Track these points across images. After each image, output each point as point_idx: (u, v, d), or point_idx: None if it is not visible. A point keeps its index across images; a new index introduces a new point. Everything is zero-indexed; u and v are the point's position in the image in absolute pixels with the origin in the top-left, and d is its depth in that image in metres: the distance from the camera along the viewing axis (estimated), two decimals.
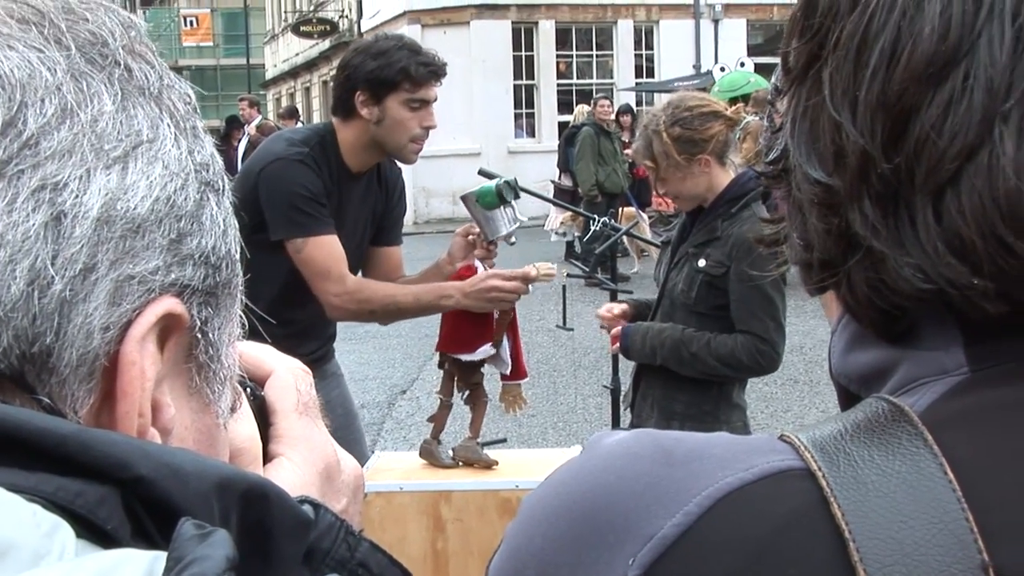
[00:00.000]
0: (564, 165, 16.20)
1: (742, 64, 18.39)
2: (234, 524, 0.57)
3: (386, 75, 3.58)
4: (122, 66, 0.63)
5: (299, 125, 18.00)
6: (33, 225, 0.57)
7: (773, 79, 0.79)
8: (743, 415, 3.74)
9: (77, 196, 0.59)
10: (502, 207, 3.56)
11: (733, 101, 15.72)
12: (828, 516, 0.62)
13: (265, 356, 0.85)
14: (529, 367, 3.86)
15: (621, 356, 4.00)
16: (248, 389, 0.81)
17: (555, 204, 8.32)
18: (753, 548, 0.63)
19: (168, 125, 0.64)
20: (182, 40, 48.28)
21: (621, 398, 4.22)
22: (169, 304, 0.62)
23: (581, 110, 16.99)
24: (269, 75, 43.03)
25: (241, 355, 0.84)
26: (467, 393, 3.70)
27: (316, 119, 34.81)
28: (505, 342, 3.63)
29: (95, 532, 0.54)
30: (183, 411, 0.65)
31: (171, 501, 0.55)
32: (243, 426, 0.77)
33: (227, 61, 47.47)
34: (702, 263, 3.58)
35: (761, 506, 0.64)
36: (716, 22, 26.89)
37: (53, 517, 0.52)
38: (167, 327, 0.63)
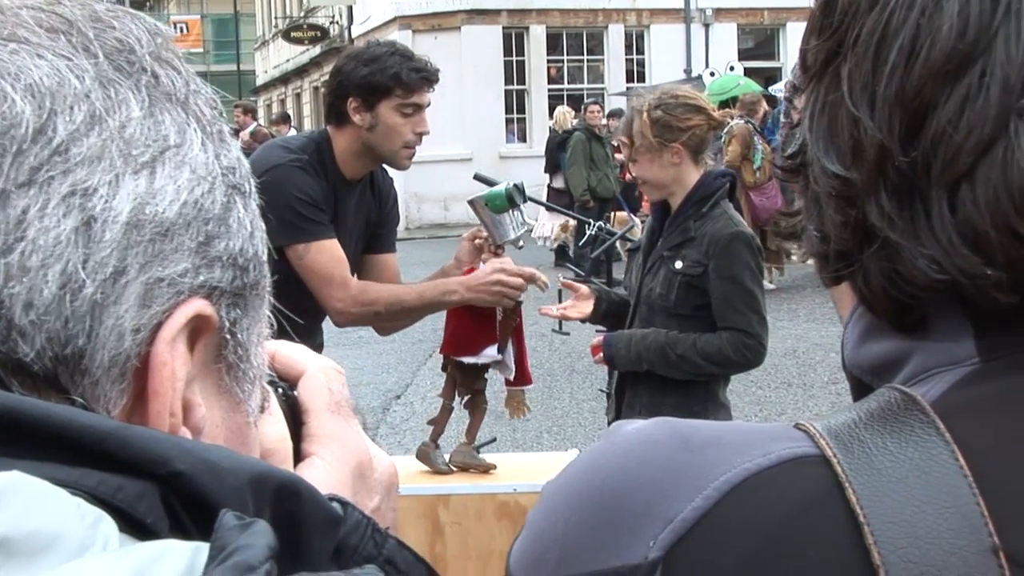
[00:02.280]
0: (553, 168, 16.23)
1: (731, 68, 18.46)
2: (267, 519, 0.57)
3: (378, 81, 3.58)
4: (149, 72, 0.64)
5: (292, 131, 18.01)
6: (64, 230, 0.58)
7: (790, 76, 0.81)
8: (728, 415, 3.76)
9: (107, 201, 0.60)
10: (511, 211, 3.57)
11: (723, 104, 15.71)
12: (843, 501, 0.64)
13: (297, 355, 0.86)
14: None
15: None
16: (280, 389, 0.82)
17: (556, 211, 8.35)
18: (771, 531, 0.65)
19: (195, 130, 0.65)
20: None
21: (605, 411, 4.24)
22: (198, 306, 0.63)
23: (562, 111, 16.99)
24: (260, 81, 42.99)
25: (274, 354, 0.85)
26: (467, 398, 3.68)
27: (307, 125, 34.78)
28: (510, 347, 3.62)
29: (135, 526, 0.55)
30: (213, 410, 0.66)
31: (207, 496, 0.56)
32: (273, 427, 0.78)
33: (217, 67, 47.33)
34: (679, 265, 3.60)
35: (778, 491, 0.66)
36: (707, 26, 26.94)
37: (96, 510, 0.53)
38: (197, 328, 0.64)
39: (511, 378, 3.68)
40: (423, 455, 3.68)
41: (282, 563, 0.55)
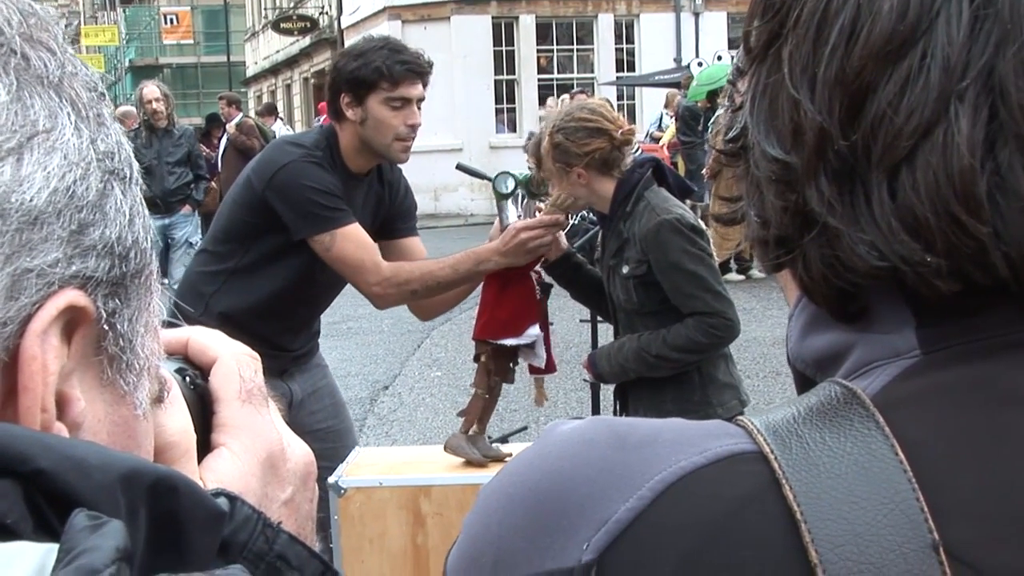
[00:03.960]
0: None
1: (719, 58, 18.43)
2: (143, 517, 0.56)
3: (363, 75, 3.61)
4: (18, 55, 0.61)
5: (278, 121, 17.96)
6: None
7: (735, 60, 0.79)
8: (737, 392, 3.69)
9: None
10: (510, 200, 3.58)
11: (712, 94, 15.60)
12: (780, 498, 0.63)
13: (211, 342, 0.83)
14: None
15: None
16: (187, 377, 0.80)
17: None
18: (706, 530, 0.63)
19: (68, 114, 0.62)
20: (162, 38, 48.13)
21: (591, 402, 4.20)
22: (71, 296, 0.61)
23: (563, 100, 17.08)
24: (250, 72, 42.96)
25: (188, 341, 0.83)
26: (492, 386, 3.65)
27: (297, 116, 34.80)
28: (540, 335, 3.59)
29: None
30: (95, 404, 0.64)
31: (73, 494, 0.54)
32: (174, 419, 0.75)
33: (208, 59, 47.36)
34: (626, 269, 3.59)
35: (714, 489, 0.64)
36: (696, 15, 26.94)
37: None
38: (72, 320, 0.61)
39: (542, 365, 3.64)
40: (455, 447, 3.63)
41: (163, 562, 0.54)
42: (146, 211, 0.67)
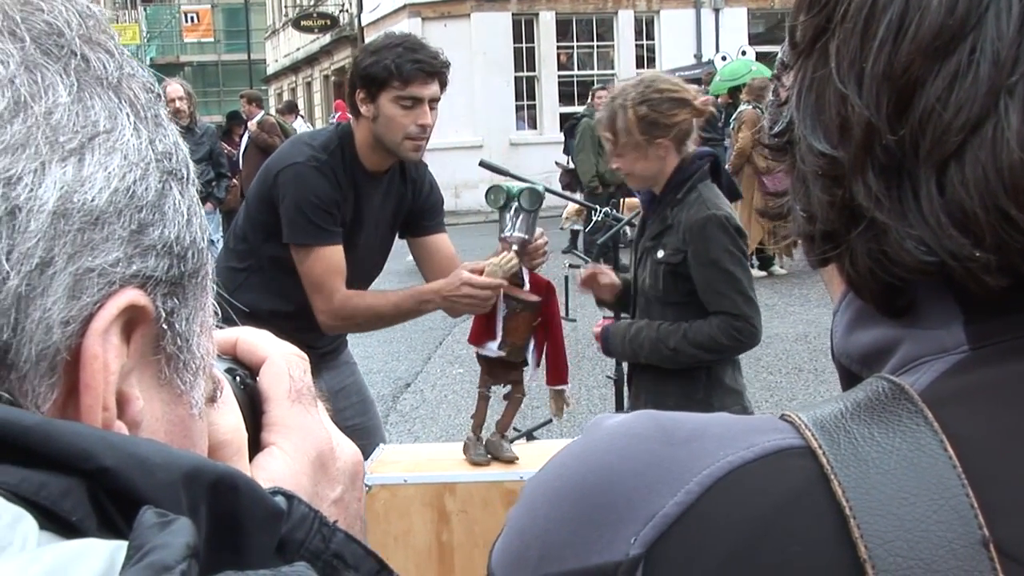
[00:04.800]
0: (568, 151, 16.51)
1: (743, 53, 18.37)
2: (203, 515, 0.56)
3: (375, 72, 3.62)
4: (79, 56, 0.62)
5: (299, 119, 17.98)
6: None
7: (780, 54, 0.79)
8: (740, 399, 3.68)
9: (32, 190, 0.57)
10: (505, 211, 3.56)
11: (734, 90, 15.52)
12: (829, 493, 0.62)
13: (260, 342, 0.84)
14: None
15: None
16: (237, 377, 0.80)
17: (565, 197, 8.37)
18: (754, 525, 0.63)
19: (127, 115, 0.63)
20: (183, 36, 48.38)
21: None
22: (132, 296, 0.61)
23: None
24: (270, 70, 43.03)
25: (237, 341, 0.83)
26: (507, 389, 3.67)
27: (318, 114, 34.85)
28: (531, 346, 3.59)
29: (61, 524, 0.53)
30: (153, 403, 0.65)
31: (137, 492, 0.54)
32: (226, 417, 0.76)
33: (228, 56, 47.51)
34: (661, 254, 3.58)
35: (762, 484, 0.64)
36: (717, 11, 26.85)
37: (16, 508, 0.51)
38: (132, 319, 0.62)
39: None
40: (465, 447, 3.68)
41: (222, 560, 0.54)
42: (202, 211, 0.68)
